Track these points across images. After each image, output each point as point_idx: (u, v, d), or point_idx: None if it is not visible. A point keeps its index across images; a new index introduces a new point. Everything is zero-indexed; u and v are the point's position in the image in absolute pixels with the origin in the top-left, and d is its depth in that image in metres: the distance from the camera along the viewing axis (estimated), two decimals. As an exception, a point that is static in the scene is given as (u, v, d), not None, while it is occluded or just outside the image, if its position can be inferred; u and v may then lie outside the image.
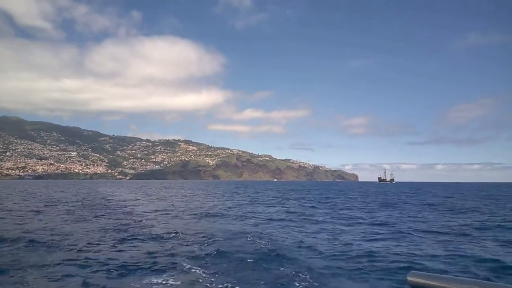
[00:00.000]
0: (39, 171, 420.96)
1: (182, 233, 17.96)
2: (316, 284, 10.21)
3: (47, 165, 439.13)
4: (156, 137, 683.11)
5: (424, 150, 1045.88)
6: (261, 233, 18.42)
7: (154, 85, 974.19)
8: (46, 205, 35.40)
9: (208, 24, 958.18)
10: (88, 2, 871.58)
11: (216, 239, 16.55)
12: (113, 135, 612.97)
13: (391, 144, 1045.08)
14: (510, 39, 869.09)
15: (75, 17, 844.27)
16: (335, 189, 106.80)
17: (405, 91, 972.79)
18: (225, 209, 32.74)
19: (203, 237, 17.08)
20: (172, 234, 17.65)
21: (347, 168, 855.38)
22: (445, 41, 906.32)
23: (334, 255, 13.80)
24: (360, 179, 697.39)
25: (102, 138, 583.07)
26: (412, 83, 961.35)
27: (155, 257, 12.99)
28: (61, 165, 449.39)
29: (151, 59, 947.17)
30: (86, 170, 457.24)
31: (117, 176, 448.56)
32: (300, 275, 10.93)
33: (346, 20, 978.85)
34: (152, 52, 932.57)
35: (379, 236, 18.33)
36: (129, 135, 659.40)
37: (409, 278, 1.97)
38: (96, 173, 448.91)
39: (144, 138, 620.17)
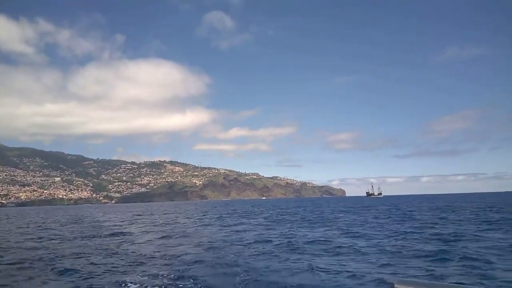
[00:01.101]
0: (22, 198, 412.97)
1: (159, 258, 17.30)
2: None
3: (31, 192, 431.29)
4: (141, 159, 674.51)
5: (409, 163, 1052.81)
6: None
7: (138, 107, 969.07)
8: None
9: (192, 45, 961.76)
10: (71, 26, 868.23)
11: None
12: (98, 158, 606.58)
13: (376, 158, 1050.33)
14: (488, 53, 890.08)
15: (58, 41, 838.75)
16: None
17: (388, 106, 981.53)
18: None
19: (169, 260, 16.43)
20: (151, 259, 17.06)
21: (335, 184, 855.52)
22: (425, 56, 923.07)
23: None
24: (347, 194, 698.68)
25: (86, 162, 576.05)
26: (395, 98, 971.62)
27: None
28: (45, 191, 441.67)
29: (136, 81, 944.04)
30: (70, 195, 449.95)
31: (102, 200, 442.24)
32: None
33: (327, 39, 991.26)
34: (136, 74, 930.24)
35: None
36: (114, 158, 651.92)
37: (396, 286, 2.12)
38: (80, 198, 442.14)
39: (129, 160, 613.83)
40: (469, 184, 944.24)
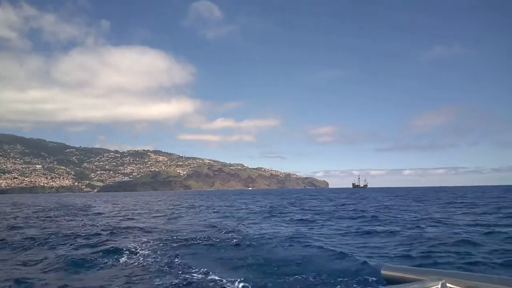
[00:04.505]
0: (2, 185, 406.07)
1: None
2: None
3: (11, 179, 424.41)
4: (125, 148, 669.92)
5: (391, 156, 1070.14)
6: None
7: (123, 95, 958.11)
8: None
9: (178, 34, 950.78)
10: (55, 11, 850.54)
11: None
12: (80, 146, 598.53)
13: (358, 151, 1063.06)
14: (471, 51, 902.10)
15: (42, 26, 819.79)
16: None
17: (369, 100, 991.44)
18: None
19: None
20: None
21: (319, 175, 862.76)
22: (411, 54, 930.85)
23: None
24: (331, 186, 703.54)
25: (68, 150, 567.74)
26: (376, 93, 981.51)
27: None
28: (26, 179, 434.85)
29: (120, 69, 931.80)
30: (52, 183, 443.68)
31: (85, 189, 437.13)
32: None
33: (312, 33, 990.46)
34: (121, 62, 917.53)
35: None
36: (97, 146, 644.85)
37: (383, 272, 2.17)
38: (62, 186, 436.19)
39: (113, 149, 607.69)
40: (450, 178, 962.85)
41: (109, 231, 21.00)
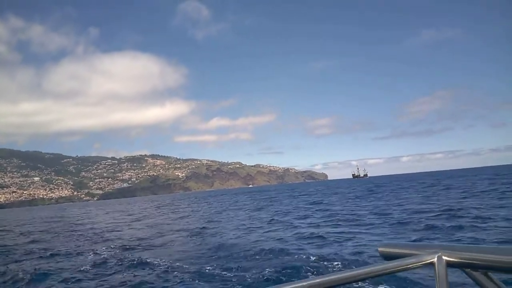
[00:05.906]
0: (1, 200, 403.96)
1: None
2: None
3: (10, 193, 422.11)
4: (121, 154, 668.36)
5: (388, 144, 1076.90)
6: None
7: (116, 102, 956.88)
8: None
9: (168, 36, 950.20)
10: (43, 22, 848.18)
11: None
12: (76, 156, 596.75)
13: (356, 141, 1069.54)
14: (461, 34, 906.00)
15: (31, 37, 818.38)
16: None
17: (364, 90, 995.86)
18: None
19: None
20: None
21: (317, 168, 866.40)
22: (401, 39, 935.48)
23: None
24: (330, 178, 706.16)
25: (65, 160, 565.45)
26: (371, 82, 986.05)
27: None
28: (24, 192, 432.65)
29: (112, 75, 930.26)
30: (51, 194, 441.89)
31: (84, 198, 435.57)
32: None
33: (303, 25, 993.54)
34: (112, 68, 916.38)
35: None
36: (93, 154, 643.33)
37: (379, 249, 2.07)
38: (61, 197, 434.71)
39: (109, 156, 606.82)
40: (448, 162, 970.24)
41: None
